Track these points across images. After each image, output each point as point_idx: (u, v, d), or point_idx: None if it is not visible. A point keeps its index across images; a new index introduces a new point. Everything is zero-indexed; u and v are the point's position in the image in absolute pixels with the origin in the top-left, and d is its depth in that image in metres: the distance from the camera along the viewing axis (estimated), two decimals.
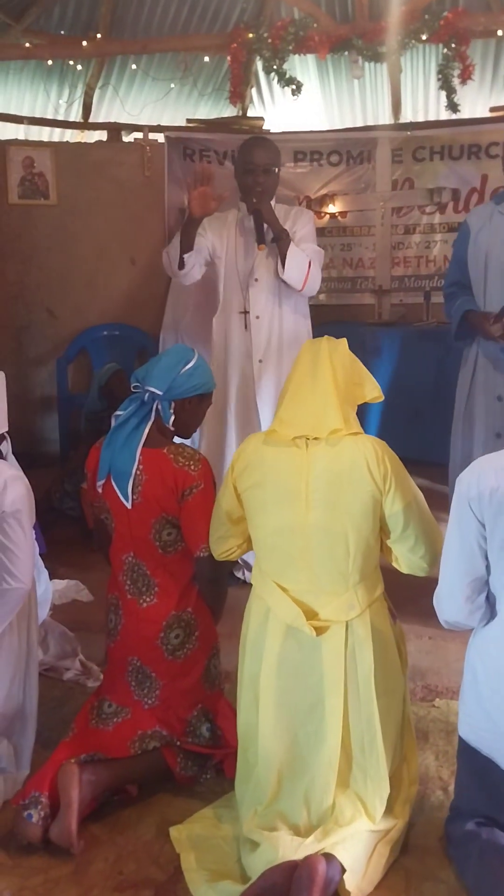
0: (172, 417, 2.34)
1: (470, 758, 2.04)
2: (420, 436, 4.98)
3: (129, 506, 2.29)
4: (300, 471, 2.00)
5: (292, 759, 2.08)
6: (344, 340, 2.11)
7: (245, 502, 2.10)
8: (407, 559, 2.06)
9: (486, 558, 1.92)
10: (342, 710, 2.03)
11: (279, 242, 3.35)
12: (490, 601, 1.97)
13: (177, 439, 2.41)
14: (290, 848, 1.92)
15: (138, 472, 2.29)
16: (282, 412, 2.07)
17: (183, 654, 2.38)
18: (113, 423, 2.35)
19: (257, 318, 3.49)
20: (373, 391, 2.10)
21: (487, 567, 1.93)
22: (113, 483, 2.31)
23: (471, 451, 3.23)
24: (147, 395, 2.32)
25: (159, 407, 2.33)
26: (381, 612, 2.10)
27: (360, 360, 2.12)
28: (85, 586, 3.43)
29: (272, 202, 3.46)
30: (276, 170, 3.45)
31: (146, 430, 2.31)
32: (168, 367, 2.32)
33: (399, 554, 2.07)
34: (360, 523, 1.99)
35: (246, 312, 3.49)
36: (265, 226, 3.36)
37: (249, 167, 3.37)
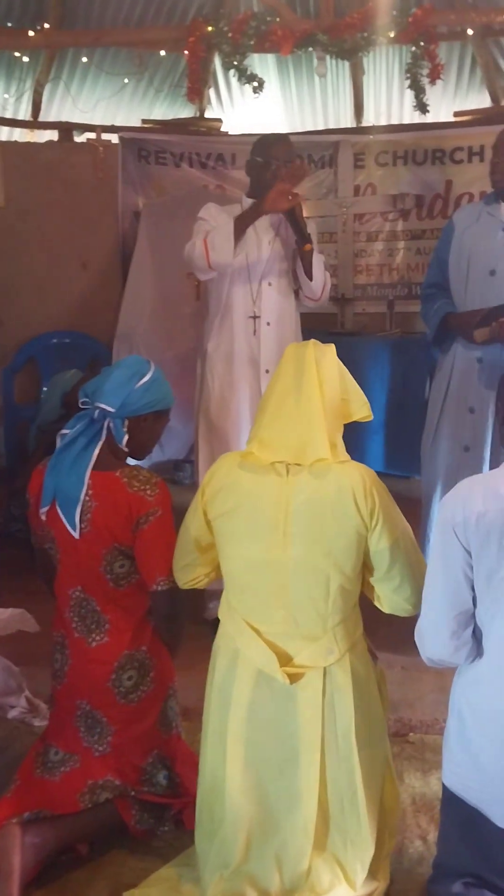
0: (126, 437, 2.12)
1: (455, 809, 1.87)
2: (384, 448, 4.86)
3: (76, 535, 2.07)
4: (279, 500, 1.80)
5: (263, 818, 1.88)
6: (332, 347, 1.91)
7: (215, 530, 1.88)
8: (390, 599, 1.88)
9: (473, 589, 1.75)
10: (319, 765, 1.84)
11: (303, 245, 3.12)
12: (476, 636, 1.80)
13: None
14: None
15: (87, 498, 2.07)
16: (261, 432, 1.85)
17: (137, 697, 2.17)
18: (59, 442, 2.12)
19: (268, 324, 3.23)
20: (361, 410, 1.90)
21: (474, 599, 1.76)
22: (59, 510, 2.08)
23: (440, 465, 3.09)
24: (97, 412, 2.10)
25: (111, 425, 2.11)
26: (362, 655, 1.92)
27: (349, 372, 1.92)
28: (31, 615, 3.17)
29: None
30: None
31: (96, 451, 2.08)
32: (121, 381, 2.10)
33: (382, 593, 1.88)
34: (343, 561, 1.79)
35: (255, 317, 3.24)
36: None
37: (270, 161, 3.15)
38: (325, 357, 1.86)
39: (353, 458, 1.87)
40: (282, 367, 1.88)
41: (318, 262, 3.19)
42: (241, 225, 3.08)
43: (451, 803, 1.87)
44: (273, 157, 3.15)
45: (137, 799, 2.18)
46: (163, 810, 2.21)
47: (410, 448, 4.61)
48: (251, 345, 3.23)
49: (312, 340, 1.91)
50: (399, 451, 4.76)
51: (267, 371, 3.22)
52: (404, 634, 1.86)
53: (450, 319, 2.99)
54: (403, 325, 5.25)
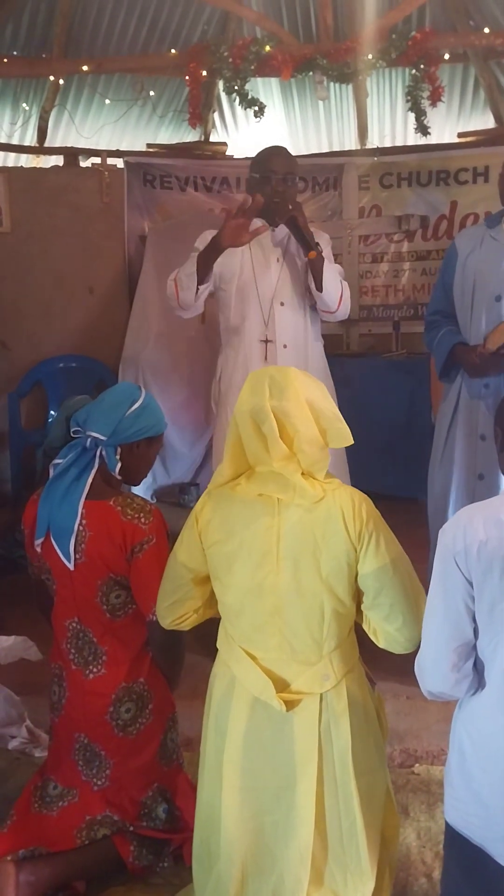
0: (119, 464, 2.09)
1: (458, 847, 1.80)
2: (392, 470, 4.81)
3: (71, 566, 2.04)
4: (270, 525, 1.76)
5: (258, 852, 1.82)
6: (293, 374, 1.77)
7: (209, 559, 1.84)
8: (383, 630, 1.83)
9: (474, 620, 1.71)
10: (316, 793, 1.78)
11: (307, 253, 2.97)
12: (478, 669, 1.75)
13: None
14: None
15: (81, 528, 2.04)
16: (246, 478, 1.80)
17: (135, 730, 2.13)
18: (51, 472, 2.10)
19: (285, 347, 3.05)
20: (338, 442, 1.79)
21: (475, 630, 1.71)
22: (53, 541, 2.06)
23: (451, 493, 3.04)
24: (89, 440, 2.08)
25: (103, 453, 2.08)
26: (359, 681, 1.87)
27: (330, 401, 1.81)
28: (34, 643, 3.15)
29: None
30: (295, 180, 3.13)
31: (89, 480, 2.06)
32: (112, 408, 2.07)
33: (374, 623, 1.84)
34: (336, 584, 1.76)
35: (268, 341, 3.08)
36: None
37: (268, 174, 3.04)
38: (285, 395, 1.72)
39: (356, 479, 1.82)
40: (240, 405, 1.77)
41: (330, 272, 3.01)
42: (204, 262, 2.97)
43: (455, 841, 1.81)
44: (270, 172, 3.05)
45: (136, 834, 2.14)
46: (162, 846, 2.17)
47: (416, 469, 4.58)
48: None
49: (269, 372, 1.77)
50: (405, 473, 4.71)
51: None
52: (409, 664, 1.80)
53: (458, 352, 2.93)
54: (409, 345, 5.22)
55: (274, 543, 1.76)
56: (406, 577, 1.79)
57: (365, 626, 1.85)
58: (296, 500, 1.74)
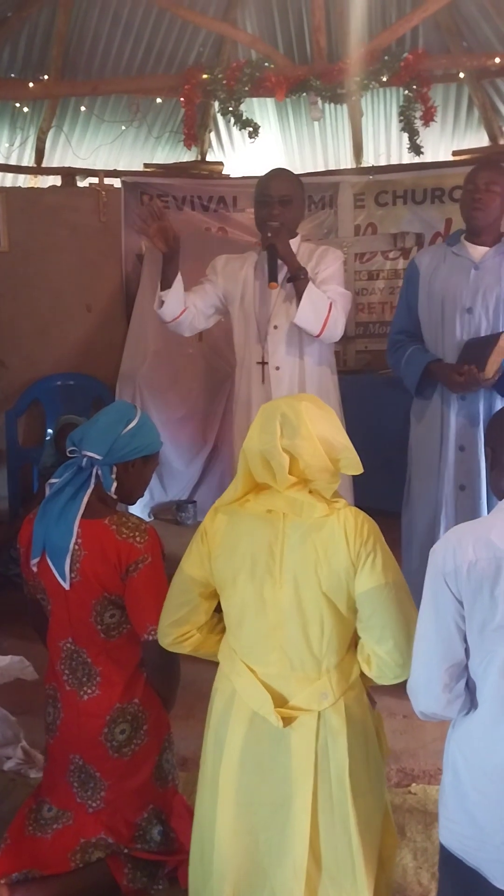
0: (115, 483, 2.10)
1: (453, 869, 1.79)
2: (390, 486, 4.80)
3: (66, 586, 2.04)
4: (274, 540, 1.77)
5: (251, 869, 1.81)
6: (304, 407, 1.78)
7: (215, 572, 1.85)
8: (375, 655, 1.81)
9: (465, 640, 1.70)
10: (311, 810, 1.78)
11: (296, 282, 2.99)
12: (470, 688, 1.75)
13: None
14: None
15: (76, 547, 2.04)
16: (254, 495, 1.82)
17: (130, 751, 2.12)
18: (47, 491, 2.10)
19: (277, 369, 3.10)
20: (351, 469, 1.81)
21: (466, 650, 1.71)
22: (48, 560, 2.06)
23: (435, 506, 3.06)
24: (85, 459, 2.08)
25: (99, 472, 2.09)
26: (359, 699, 1.86)
27: (341, 430, 1.82)
28: (30, 663, 3.13)
29: (297, 240, 3.16)
30: (297, 202, 3.14)
31: (85, 499, 2.06)
32: (107, 427, 2.08)
33: (367, 647, 1.83)
34: (336, 601, 1.76)
35: (264, 363, 3.14)
36: (279, 263, 3.01)
37: (263, 199, 3.08)
38: (297, 434, 1.74)
39: (356, 496, 1.83)
40: (250, 443, 1.78)
41: (309, 296, 2.98)
42: (163, 273, 3.07)
43: (449, 863, 1.80)
44: (266, 196, 3.08)
45: (130, 856, 2.13)
46: (157, 868, 2.15)
47: None
48: (261, 392, 3.13)
49: (303, 400, 1.79)
50: (403, 489, 4.71)
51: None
52: (405, 682, 1.81)
53: (435, 370, 2.97)
54: None
55: (277, 558, 1.77)
56: (401, 602, 1.79)
57: (359, 656, 1.85)
58: (302, 516, 1.75)
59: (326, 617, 1.77)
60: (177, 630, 1.90)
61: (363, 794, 1.82)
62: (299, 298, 3.00)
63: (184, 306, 3.13)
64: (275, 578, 1.77)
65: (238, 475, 1.82)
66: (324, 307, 3.02)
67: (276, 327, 3.11)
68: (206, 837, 1.86)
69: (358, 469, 1.81)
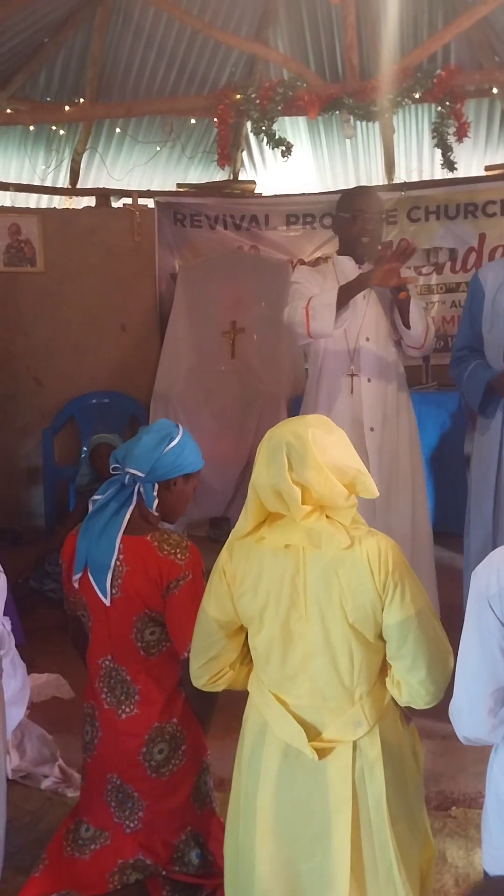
0: (156, 501, 2.10)
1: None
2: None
3: (107, 602, 2.04)
4: (297, 573, 1.74)
5: None
6: (311, 433, 1.72)
7: (240, 609, 1.82)
8: (406, 683, 1.78)
9: None
10: (351, 843, 1.75)
11: (401, 293, 3.04)
12: None
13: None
14: None
15: (118, 563, 2.05)
16: (268, 527, 1.78)
17: (168, 771, 2.11)
18: (90, 508, 2.11)
19: (369, 380, 3.15)
20: (366, 493, 1.77)
21: None
22: (90, 576, 2.06)
23: (490, 526, 2.98)
24: (128, 477, 2.09)
25: (141, 490, 2.09)
26: (393, 725, 1.83)
27: (352, 452, 1.77)
28: (66, 681, 3.14)
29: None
30: (381, 218, 3.23)
31: (127, 516, 2.07)
32: (150, 446, 2.08)
33: (398, 674, 1.79)
34: (364, 631, 1.74)
35: (353, 375, 3.17)
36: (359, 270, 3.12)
37: (356, 214, 3.13)
38: (305, 465, 1.68)
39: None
40: (258, 477, 1.74)
41: (416, 308, 3.11)
42: (345, 296, 3.02)
43: (493, 892, 1.77)
44: (358, 210, 3.13)
45: (169, 879, 2.11)
46: (194, 891, 2.13)
47: (449, 503, 4.53)
48: (351, 404, 3.16)
49: (287, 439, 1.71)
50: (440, 507, 4.67)
51: (372, 429, 3.15)
52: (444, 703, 1.77)
53: (496, 385, 2.91)
54: (440, 378, 5.19)
55: (301, 592, 1.74)
56: (431, 629, 1.76)
57: (388, 681, 1.82)
58: (322, 548, 1.72)
59: (356, 648, 1.74)
60: (208, 672, 1.88)
61: (402, 817, 1.79)
62: (404, 310, 3.07)
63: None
64: (300, 612, 1.74)
65: (247, 507, 1.79)
66: (424, 318, 3.14)
67: (367, 339, 3.16)
68: (245, 866, 1.84)
69: (373, 493, 1.77)
